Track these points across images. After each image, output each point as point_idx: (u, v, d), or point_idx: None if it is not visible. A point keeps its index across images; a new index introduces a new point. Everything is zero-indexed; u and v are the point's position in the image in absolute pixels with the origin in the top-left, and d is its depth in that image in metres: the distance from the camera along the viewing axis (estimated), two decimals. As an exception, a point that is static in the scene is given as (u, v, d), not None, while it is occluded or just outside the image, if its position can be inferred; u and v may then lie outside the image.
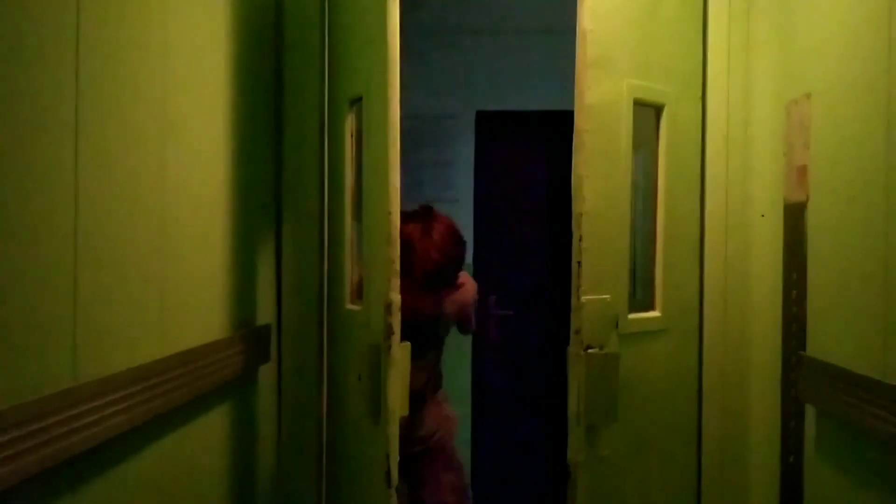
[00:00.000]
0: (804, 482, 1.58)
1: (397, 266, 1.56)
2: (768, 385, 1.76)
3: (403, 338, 1.98)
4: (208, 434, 1.59)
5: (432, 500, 2.26)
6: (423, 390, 2.16)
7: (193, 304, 1.49)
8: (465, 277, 2.29)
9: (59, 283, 1.02)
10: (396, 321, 1.55)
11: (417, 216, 2.09)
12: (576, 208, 1.61)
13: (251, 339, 1.78)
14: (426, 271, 2.03)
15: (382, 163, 1.55)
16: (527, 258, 3.57)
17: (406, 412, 1.61)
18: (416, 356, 2.08)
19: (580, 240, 1.61)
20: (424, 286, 2.04)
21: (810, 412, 1.55)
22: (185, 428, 1.46)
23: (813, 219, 1.56)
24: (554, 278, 2.71)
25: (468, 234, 4.45)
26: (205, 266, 1.56)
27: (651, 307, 1.82)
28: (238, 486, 1.75)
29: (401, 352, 1.57)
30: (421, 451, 2.13)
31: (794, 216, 1.64)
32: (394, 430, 1.55)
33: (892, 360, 1.23)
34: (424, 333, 2.12)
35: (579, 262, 1.61)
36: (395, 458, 1.55)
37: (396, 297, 1.55)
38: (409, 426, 2.01)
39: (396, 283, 1.56)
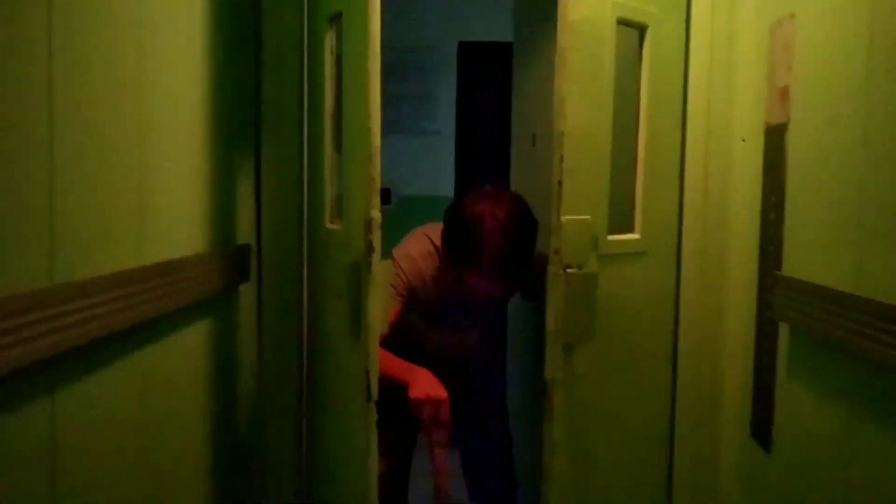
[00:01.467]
0: (775, 400, 1.61)
1: (377, 184, 1.56)
2: (744, 306, 1.78)
3: (464, 310, 2.04)
4: (189, 348, 1.60)
5: (481, 440, 2.36)
6: (477, 348, 2.22)
7: (173, 218, 1.48)
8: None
9: (34, 182, 1.01)
10: (377, 238, 1.55)
11: (487, 196, 1.87)
12: (557, 127, 1.61)
13: (231, 257, 1.78)
14: (496, 259, 1.81)
15: (362, 77, 1.53)
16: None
17: (385, 331, 1.62)
18: (476, 324, 2.15)
19: (561, 159, 1.61)
20: (495, 275, 1.85)
21: (784, 332, 1.57)
22: (165, 340, 1.46)
23: (793, 141, 1.56)
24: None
25: (447, 168, 4.47)
26: (183, 181, 1.55)
27: (630, 229, 1.83)
28: (218, 402, 1.77)
29: (381, 269, 1.57)
30: (464, 390, 2.14)
31: (775, 139, 1.64)
32: (374, 347, 1.56)
33: (864, 276, 1.25)
34: (487, 307, 2.10)
35: (560, 182, 1.62)
36: (374, 374, 1.56)
37: (377, 215, 1.55)
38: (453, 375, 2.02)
39: (376, 200, 1.55)
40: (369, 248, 1.54)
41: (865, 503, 1.24)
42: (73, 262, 1.10)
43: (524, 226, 1.85)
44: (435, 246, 2.01)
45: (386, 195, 3.97)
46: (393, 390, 1.82)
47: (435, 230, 2.01)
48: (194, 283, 1.55)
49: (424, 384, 1.86)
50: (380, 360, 1.65)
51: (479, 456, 2.40)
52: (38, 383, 1.03)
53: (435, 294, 2.01)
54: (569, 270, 1.64)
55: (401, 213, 4.11)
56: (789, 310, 1.49)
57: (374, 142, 1.52)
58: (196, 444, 1.66)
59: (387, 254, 1.89)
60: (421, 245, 2.03)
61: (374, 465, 1.58)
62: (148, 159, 1.35)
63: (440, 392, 1.85)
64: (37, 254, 1.02)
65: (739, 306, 1.82)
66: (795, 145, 1.55)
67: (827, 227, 1.39)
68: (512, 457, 2.38)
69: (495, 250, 1.80)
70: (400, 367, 1.90)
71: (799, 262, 1.52)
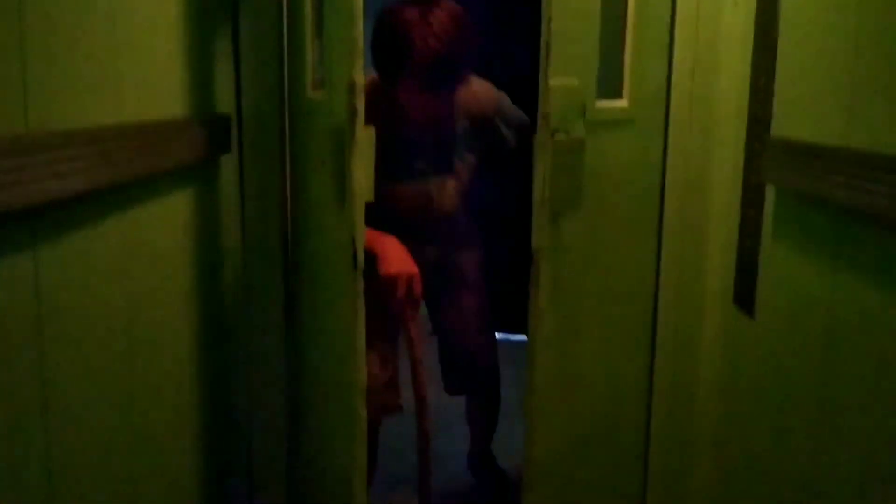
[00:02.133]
0: (760, 261, 1.62)
1: (361, 45, 1.51)
2: (730, 172, 1.78)
3: (415, 149, 1.94)
4: (171, 216, 1.58)
5: (457, 321, 2.23)
6: (455, 212, 2.09)
7: (150, 79, 1.44)
8: (475, 78, 2.05)
9: (2, 25, 0.96)
10: (360, 103, 1.51)
11: (417, 2, 1.82)
12: (546, -14, 1.55)
13: (211, 125, 1.73)
14: (424, 63, 1.77)
15: (343, -71, 1.46)
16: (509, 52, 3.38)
17: (371, 198, 1.59)
18: (439, 170, 2.03)
19: (549, 21, 1.56)
20: (426, 84, 1.82)
21: (770, 195, 1.57)
22: (147, 204, 1.44)
23: (786, 1, 1.52)
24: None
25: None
26: (160, 43, 1.49)
27: (619, 96, 1.80)
28: (202, 271, 1.76)
29: (365, 134, 1.54)
30: (445, 268, 2.08)
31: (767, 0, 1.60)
32: (359, 214, 1.55)
33: (853, 131, 1.23)
34: (441, 142, 2.00)
35: (548, 44, 1.57)
36: (360, 241, 1.55)
37: (360, 79, 1.50)
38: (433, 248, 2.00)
39: (360, 63, 1.51)
40: (353, 113, 1.51)
41: (848, 359, 1.26)
42: (48, 113, 1.06)
43: (454, 24, 1.78)
44: (373, 80, 1.89)
45: None
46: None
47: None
48: (174, 147, 1.51)
49: (394, 258, 1.83)
50: None
51: (454, 342, 2.27)
52: (22, 232, 1.01)
53: (378, 127, 1.87)
54: (556, 136, 1.61)
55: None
56: (777, 171, 1.49)
57: (356, 2, 1.47)
58: (180, 313, 1.66)
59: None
60: None
61: (361, 333, 1.59)
62: (122, 16, 1.30)
63: (411, 266, 1.84)
64: (10, 100, 0.98)
65: (725, 173, 1.81)
66: (788, 3, 1.51)
67: (818, 84, 1.37)
68: (494, 344, 2.30)
69: (421, 53, 1.75)
70: (367, 235, 1.85)
71: (789, 123, 1.50)
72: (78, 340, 1.18)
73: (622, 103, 1.79)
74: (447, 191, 2.06)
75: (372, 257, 1.83)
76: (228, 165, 1.89)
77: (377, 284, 1.82)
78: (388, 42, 1.80)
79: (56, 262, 1.10)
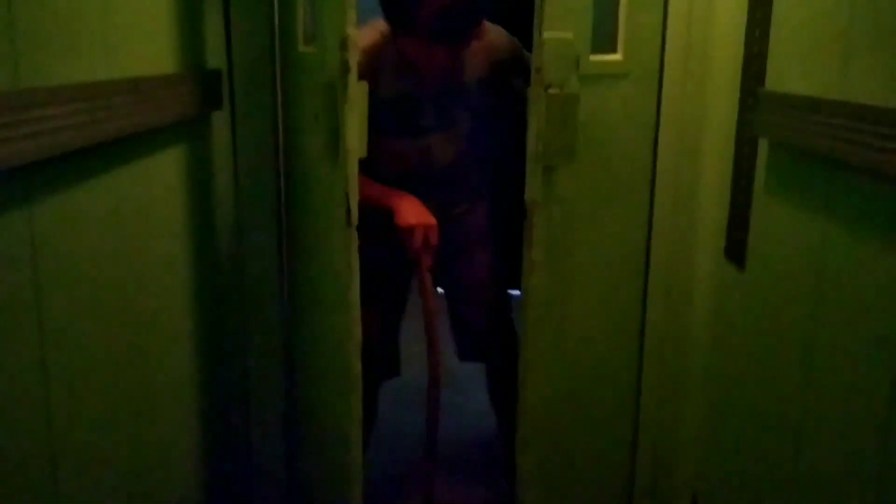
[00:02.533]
0: (751, 218, 1.63)
1: (353, -2, 1.49)
2: (724, 127, 1.78)
3: (422, 106, 1.90)
4: (164, 172, 1.57)
5: (466, 279, 2.18)
6: (455, 165, 2.06)
7: (141, 34, 1.42)
8: (490, 26, 1.97)
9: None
10: (353, 57, 1.50)
11: None
12: (540, -62, 1.54)
13: (202, 80, 1.72)
14: (431, 13, 1.72)
15: None
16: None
17: (364, 154, 1.59)
18: (442, 125, 1.99)
19: (543, -27, 1.55)
20: (437, 35, 1.76)
21: (763, 149, 1.57)
22: (140, 161, 1.44)
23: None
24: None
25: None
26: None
27: (613, 50, 1.79)
28: (196, 227, 1.76)
29: (358, 89, 1.53)
30: (451, 224, 2.04)
31: (764, -50, 1.58)
32: (353, 170, 1.54)
33: (849, 83, 1.23)
34: (449, 97, 1.96)
35: (542, -3, 1.56)
36: (354, 197, 1.55)
37: (353, 32, 1.49)
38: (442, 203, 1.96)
39: (352, 15, 1.49)
40: (345, 68, 1.50)
41: (836, 306, 1.28)
42: (39, 69, 1.06)
43: None
44: (383, 34, 1.89)
45: None
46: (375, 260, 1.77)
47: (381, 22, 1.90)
48: (165, 103, 1.50)
49: (411, 210, 1.85)
50: (360, 186, 1.63)
51: (465, 302, 2.21)
52: (16, 189, 1.01)
53: (385, 83, 1.89)
54: (550, 90, 1.61)
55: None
56: (771, 124, 1.49)
57: (348, -49, 1.45)
58: (174, 269, 1.67)
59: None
60: (367, 29, 1.89)
61: (355, 288, 1.60)
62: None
63: (428, 218, 1.86)
64: (0, 57, 0.97)
65: (719, 127, 1.81)
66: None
67: (814, 35, 1.36)
68: (508, 303, 2.22)
69: (430, 4, 1.71)
70: (382, 192, 1.88)
71: (783, 77, 1.50)
72: (75, 297, 1.18)
73: (616, 57, 1.78)
74: (447, 144, 2.03)
75: (384, 214, 1.84)
76: (220, 121, 1.88)
77: (391, 238, 1.85)
78: None
79: (51, 218, 1.10)
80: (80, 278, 1.20)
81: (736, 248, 1.72)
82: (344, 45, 1.49)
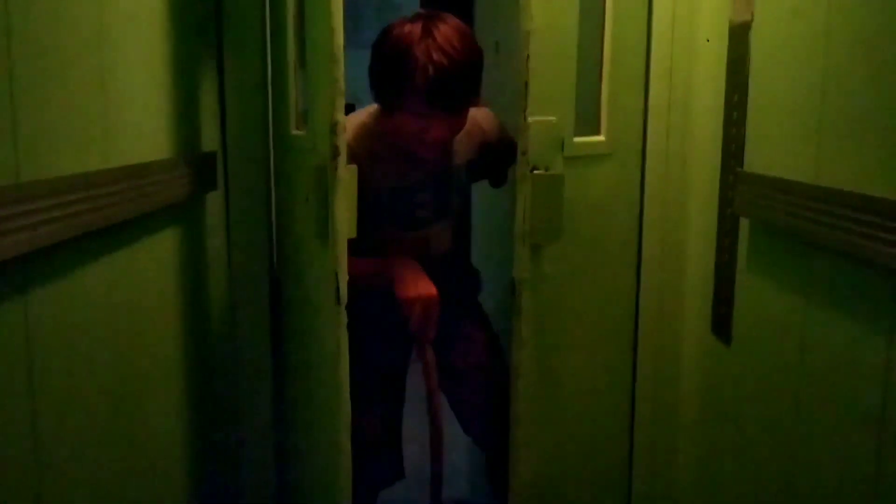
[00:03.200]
0: (735, 294, 1.66)
1: (342, 85, 1.54)
2: (706, 206, 1.82)
3: (417, 196, 1.88)
4: (158, 254, 1.60)
5: (465, 362, 2.09)
6: (451, 252, 2.01)
7: (137, 121, 1.47)
8: (485, 114, 1.96)
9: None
10: (342, 142, 1.54)
11: (418, 17, 1.69)
12: (524, 27, 1.60)
13: (197, 163, 1.76)
14: (429, 78, 1.63)
15: (324, -26, 1.50)
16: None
17: (354, 234, 1.62)
18: (439, 216, 1.94)
19: (528, 59, 1.61)
20: (431, 102, 1.66)
21: (744, 227, 1.61)
22: (135, 245, 1.46)
23: (757, 38, 1.57)
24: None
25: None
26: (145, 87, 1.52)
27: (596, 131, 1.84)
28: (190, 309, 1.78)
29: (347, 172, 1.57)
30: (446, 312, 1.89)
31: (739, 37, 1.65)
32: (342, 249, 1.57)
33: (823, 168, 1.28)
34: (444, 181, 1.90)
35: (526, 83, 1.61)
36: (343, 277, 1.58)
37: (342, 118, 1.54)
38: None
39: (341, 102, 1.54)
40: (335, 152, 1.54)
41: (820, 386, 1.29)
42: (39, 162, 1.09)
43: (462, 41, 1.66)
44: (375, 118, 1.85)
45: (350, 110, 3.91)
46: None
47: (363, 111, 1.88)
48: (161, 188, 1.54)
49: (411, 280, 1.80)
50: (354, 265, 1.64)
51: (464, 384, 2.11)
52: (12, 281, 1.03)
53: (379, 173, 1.82)
54: (535, 172, 1.65)
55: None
56: (750, 204, 1.53)
57: (336, 41, 1.50)
58: (169, 351, 1.68)
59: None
60: (357, 116, 1.87)
61: (345, 367, 1.61)
62: (109, 63, 1.33)
63: (430, 288, 1.80)
64: (2, 151, 1.00)
65: (702, 206, 1.85)
66: (759, 42, 1.56)
67: (788, 120, 1.41)
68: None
69: (425, 67, 1.62)
70: (379, 264, 1.85)
71: (760, 158, 1.54)
72: (69, 385, 1.20)
73: (600, 138, 1.83)
74: (444, 234, 2.00)
75: (383, 285, 1.80)
76: (215, 202, 1.92)
77: (388, 320, 1.81)
78: (387, 60, 1.71)
79: (47, 308, 1.12)
80: (74, 366, 1.22)
81: (721, 324, 1.74)
82: (333, 129, 1.53)
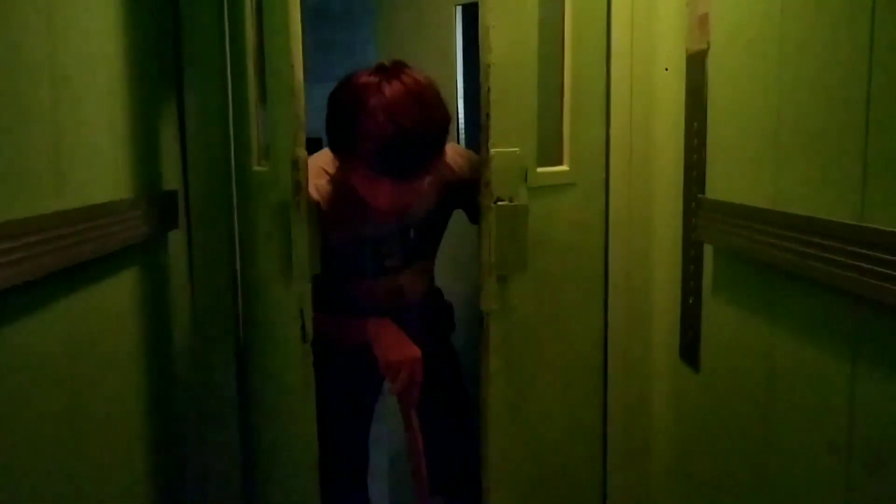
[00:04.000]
0: (702, 319, 1.66)
1: (303, 120, 1.53)
2: (670, 232, 1.83)
3: (382, 246, 1.79)
4: (118, 297, 1.57)
5: (440, 412, 2.01)
6: (426, 299, 1.97)
7: (92, 163, 1.45)
8: (454, 151, 1.85)
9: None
10: (304, 177, 1.54)
11: (378, 72, 1.57)
12: (483, 59, 1.60)
13: (157, 202, 1.74)
14: (377, 145, 1.51)
15: (281, 11, 1.49)
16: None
17: (317, 270, 1.60)
18: (410, 263, 1.87)
19: (488, 91, 1.61)
20: (377, 168, 1.55)
21: (708, 253, 1.62)
22: (93, 287, 1.44)
23: (713, 66, 1.59)
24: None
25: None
26: (102, 126, 1.51)
27: (559, 161, 1.84)
28: (153, 351, 1.75)
29: (308, 208, 1.56)
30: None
31: (696, 65, 1.67)
32: (306, 287, 1.56)
33: (781, 193, 1.29)
34: (410, 230, 1.85)
35: (488, 114, 1.61)
36: (308, 315, 1.56)
37: (303, 153, 1.53)
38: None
39: (302, 138, 1.53)
40: (297, 188, 1.53)
41: (788, 412, 1.29)
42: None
43: (422, 106, 1.53)
44: (333, 164, 1.73)
45: (317, 145, 3.88)
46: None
47: (326, 153, 1.76)
48: (119, 228, 1.52)
49: (392, 343, 1.74)
50: (328, 324, 1.63)
51: (433, 435, 1.98)
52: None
53: (341, 220, 1.73)
54: (499, 203, 1.65)
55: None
56: (712, 230, 1.54)
57: (297, 77, 1.50)
58: (130, 394, 1.64)
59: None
60: (317, 158, 1.75)
61: (311, 404, 1.59)
62: (62, 103, 1.31)
63: (412, 350, 1.74)
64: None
65: (666, 232, 1.86)
66: (715, 71, 1.58)
67: (746, 146, 1.43)
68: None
69: (377, 134, 1.49)
70: (356, 326, 1.77)
71: (721, 185, 1.56)
72: (20, 430, 1.16)
73: (563, 168, 1.84)
74: (418, 280, 1.94)
75: (360, 345, 1.75)
76: (176, 240, 1.89)
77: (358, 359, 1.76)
78: (338, 116, 1.60)
79: (-2, 354, 1.09)
80: (27, 412, 1.18)
81: (690, 351, 1.74)
82: (295, 165, 1.52)
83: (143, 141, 1.70)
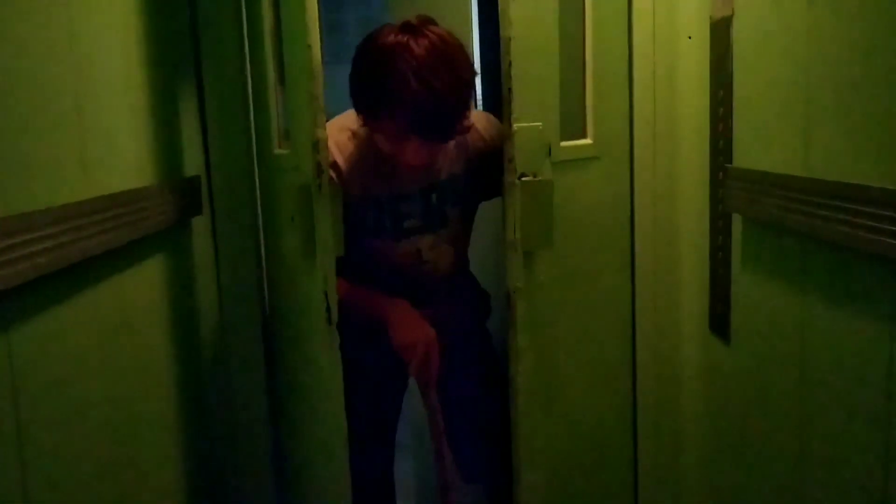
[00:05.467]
0: (732, 291, 1.64)
1: (321, 102, 1.51)
2: (697, 202, 1.80)
3: (403, 205, 1.75)
4: (146, 282, 1.58)
5: (459, 396, 1.96)
6: (454, 276, 1.90)
7: (116, 150, 1.45)
8: (479, 116, 1.80)
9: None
10: (325, 159, 1.52)
11: (406, 29, 1.52)
12: (503, 33, 1.58)
13: (181, 189, 1.74)
14: (406, 105, 1.49)
15: (299, -8, 1.48)
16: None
17: (341, 252, 1.59)
18: (430, 226, 1.82)
19: (510, 66, 1.58)
20: (408, 128, 1.54)
21: (737, 224, 1.59)
22: (121, 275, 1.44)
23: (738, 32, 1.56)
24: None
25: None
26: (124, 114, 1.50)
27: (582, 135, 1.82)
28: (181, 335, 1.75)
29: (330, 190, 1.55)
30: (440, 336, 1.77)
31: (720, 32, 1.64)
32: (330, 269, 1.55)
33: (811, 159, 1.26)
34: (433, 193, 1.78)
35: (510, 89, 1.59)
36: (332, 295, 1.55)
37: (323, 135, 1.52)
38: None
39: (322, 119, 1.52)
40: (318, 170, 1.52)
41: (823, 382, 1.27)
42: (14, 196, 1.07)
43: (451, 67, 1.51)
44: (357, 123, 1.68)
45: None
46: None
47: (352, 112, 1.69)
48: (145, 214, 1.52)
49: (408, 324, 1.72)
50: (345, 290, 1.60)
51: (462, 422, 1.98)
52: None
53: (362, 179, 1.71)
54: (524, 179, 1.63)
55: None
56: (741, 200, 1.51)
57: (315, 58, 1.48)
58: (159, 380, 1.65)
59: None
60: (339, 119, 1.74)
61: (339, 385, 1.58)
62: (85, 91, 1.31)
63: (427, 331, 1.72)
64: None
65: (693, 203, 1.83)
66: (741, 36, 1.55)
67: (775, 113, 1.40)
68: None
69: (408, 96, 1.48)
70: (372, 301, 1.75)
71: (749, 153, 1.53)
72: (56, 420, 1.17)
73: (586, 141, 1.81)
74: (441, 249, 1.86)
75: (375, 324, 1.73)
76: (201, 226, 1.89)
77: (384, 362, 1.74)
78: (366, 75, 1.56)
79: (30, 343, 1.10)
80: (62, 401, 1.19)
81: (720, 322, 1.72)
82: (316, 147, 1.51)
83: (165, 127, 1.70)
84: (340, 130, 1.72)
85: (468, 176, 1.83)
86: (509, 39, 1.56)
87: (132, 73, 1.55)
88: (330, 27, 4.65)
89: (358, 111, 1.64)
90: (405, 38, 1.51)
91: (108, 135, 1.40)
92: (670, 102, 1.86)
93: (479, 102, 2.43)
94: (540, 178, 1.65)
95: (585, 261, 1.84)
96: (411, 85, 1.48)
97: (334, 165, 1.67)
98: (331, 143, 1.62)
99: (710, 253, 1.75)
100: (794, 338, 1.36)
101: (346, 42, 4.47)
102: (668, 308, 1.93)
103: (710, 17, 1.68)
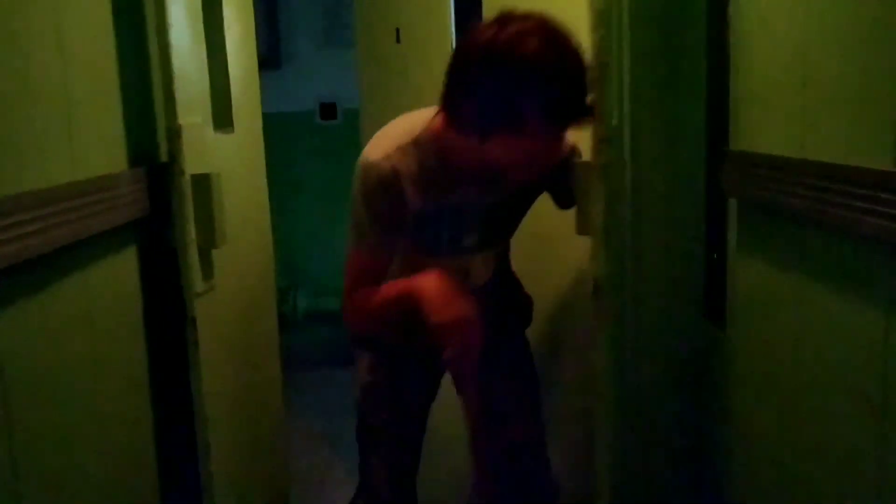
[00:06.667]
0: (727, 275, 1.63)
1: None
2: (693, 187, 1.79)
3: (469, 221, 1.58)
4: (127, 270, 1.53)
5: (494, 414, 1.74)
6: (488, 286, 1.72)
7: (100, 134, 1.42)
8: None
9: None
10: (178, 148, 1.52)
11: (506, 22, 1.34)
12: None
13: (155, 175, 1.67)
14: (535, 108, 1.32)
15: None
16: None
17: (216, 246, 1.62)
18: (485, 244, 1.67)
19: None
20: (556, 123, 1.37)
21: (733, 208, 1.58)
22: (108, 258, 1.42)
23: (736, 12, 1.54)
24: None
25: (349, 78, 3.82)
26: (103, 98, 1.46)
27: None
28: (158, 323, 1.71)
29: (187, 181, 1.56)
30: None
31: (718, 12, 1.62)
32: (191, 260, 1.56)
33: (809, 142, 1.25)
34: (493, 208, 1.61)
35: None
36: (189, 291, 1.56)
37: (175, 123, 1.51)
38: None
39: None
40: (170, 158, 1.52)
41: (820, 366, 1.26)
42: (3, 178, 1.06)
43: (569, 47, 1.34)
44: (434, 132, 1.51)
45: (332, 110, 3.75)
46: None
47: (408, 118, 1.57)
48: (130, 199, 1.48)
49: (445, 301, 1.42)
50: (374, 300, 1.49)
51: (496, 436, 1.75)
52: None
53: (421, 201, 1.53)
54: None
55: (350, 127, 3.79)
56: (737, 184, 1.49)
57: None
58: (143, 367, 1.62)
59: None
60: (404, 123, 1.56)
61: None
62: (70, 76, 1.29)
63: (467, 309, 1.42)
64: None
65: (690, 188, 1.82)
66: (739, 16, 1.53)
67: (773, 96, 1.38)
68: (543, 441, 1.83)
69: (545, 87, 1.31)
70: (399, 286, 1.50)
71: (746, 137, 1.51)
72: (43, 401, 1.16)
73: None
74: (486, 264, 1.71)
75: (408, 312, 1.45)
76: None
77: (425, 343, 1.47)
78: (490, 80, 1.35)
79: (14, 326, 1.08)
80: (49, 385, 1.18)
81: (715, 308, 1.71)
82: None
83: (137, 112, 1.65)
84: (407, 134, 1.53)
85: (531, 186, 1.65)
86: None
87: (107, 59, 1.49)
88: (325, 13, 4.63)
89: (470, 131, 1.39)
90: (520, 27, 1.33)
91: (92, 120, 1.37)
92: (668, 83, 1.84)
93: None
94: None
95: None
96: (546, 74, 1.31)
97: (395, 173, 1.49)
98: (392, 147, 1.49)
99: (705, 237, 1.74)
100: (790, 322, 1.35)
101: (340, 27, 4.44)
102: (662, 294, 1.91)
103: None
